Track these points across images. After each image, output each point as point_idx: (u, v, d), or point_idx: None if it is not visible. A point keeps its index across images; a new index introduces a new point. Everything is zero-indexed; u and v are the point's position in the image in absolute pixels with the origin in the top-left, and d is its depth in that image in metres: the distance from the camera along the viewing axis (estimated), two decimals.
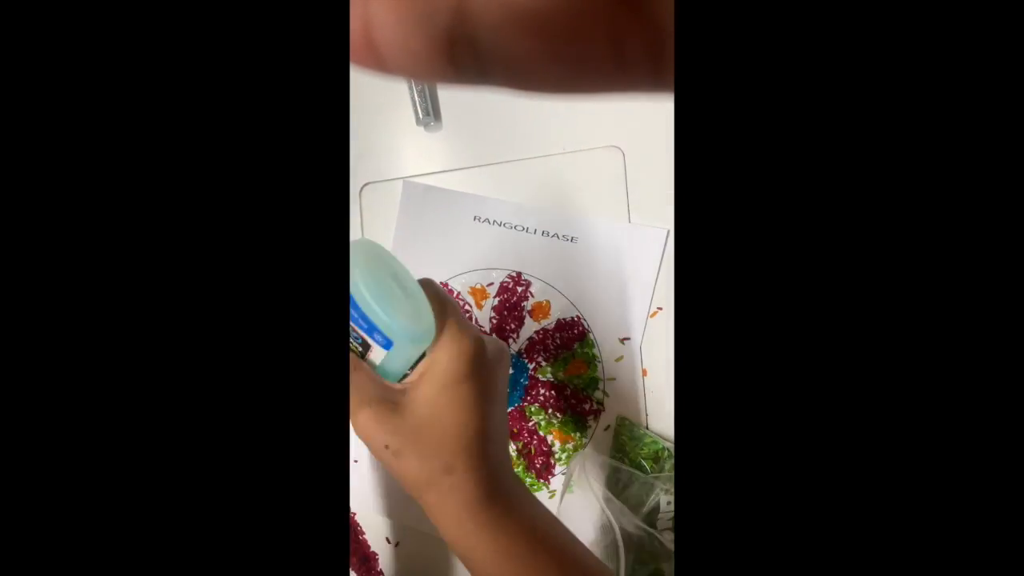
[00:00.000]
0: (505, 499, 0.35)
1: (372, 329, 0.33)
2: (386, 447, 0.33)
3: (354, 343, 0.35)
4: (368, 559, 0.58)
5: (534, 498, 0.37)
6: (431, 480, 0.34)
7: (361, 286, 0.33)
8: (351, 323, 0.34)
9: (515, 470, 0.56)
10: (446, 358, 0.34)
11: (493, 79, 0.17)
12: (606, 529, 0.50)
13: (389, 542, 0.58)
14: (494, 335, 0.56)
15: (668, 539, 0.50)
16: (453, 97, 0.57)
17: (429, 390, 0.34)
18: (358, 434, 0.34)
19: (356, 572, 0.58)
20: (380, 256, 0.35)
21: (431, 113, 0.56)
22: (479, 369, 0.34)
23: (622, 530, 0.49)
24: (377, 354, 0.34)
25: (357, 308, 0.33)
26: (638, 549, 0.50)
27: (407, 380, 0.35)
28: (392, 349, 0.33)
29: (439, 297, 0.35)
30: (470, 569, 0.36)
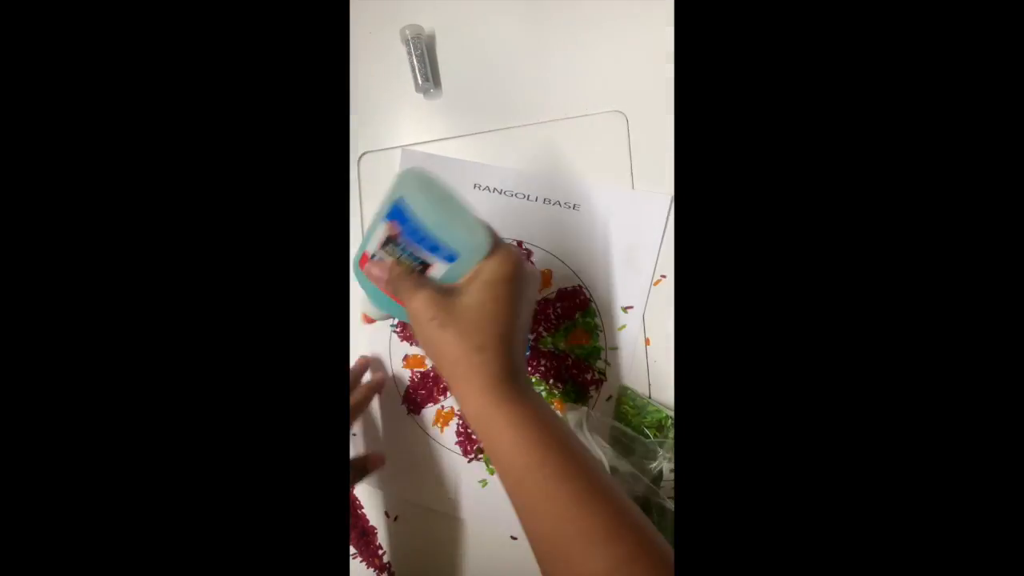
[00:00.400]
0: (521, 384, 0.40)
1: (435, 248, 0.39)
2: (432, 319, 0.39)
3: (411, 263, 0.41)
4: (367, 533, 0.57)
5: (544, 407, 0.41)
6: (465, 354, 0.39)
7: (428, 209, 0.38)
8: (405, 246, 0.40)
9: None
10: (495, 264, 0.39)
11: None
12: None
13: (388, 516, 0.57)
14: None
15: (671, 506, 0.49)
16: (453, 63, 0.57)
17: (477, 284, 0.39)
18: (411, 314, 0.41)
19: (355, 546, 0.57)
20: (432, 183, 0.39)
21: (430, 79, 0.56)
22: (519, 276, 0.40)
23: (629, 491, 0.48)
24: (438, 270, 0.40)
25: (419, 231, 0.38)
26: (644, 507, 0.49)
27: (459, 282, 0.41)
28: (456, 261, 0.39)
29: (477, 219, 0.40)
30: (486, 438, 0.40)
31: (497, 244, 0.40)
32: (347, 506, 0.52)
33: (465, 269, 0.40)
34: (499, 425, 0.39)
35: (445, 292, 0.40)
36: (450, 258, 0.39)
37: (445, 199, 0.39)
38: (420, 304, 0.40)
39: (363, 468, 0.54)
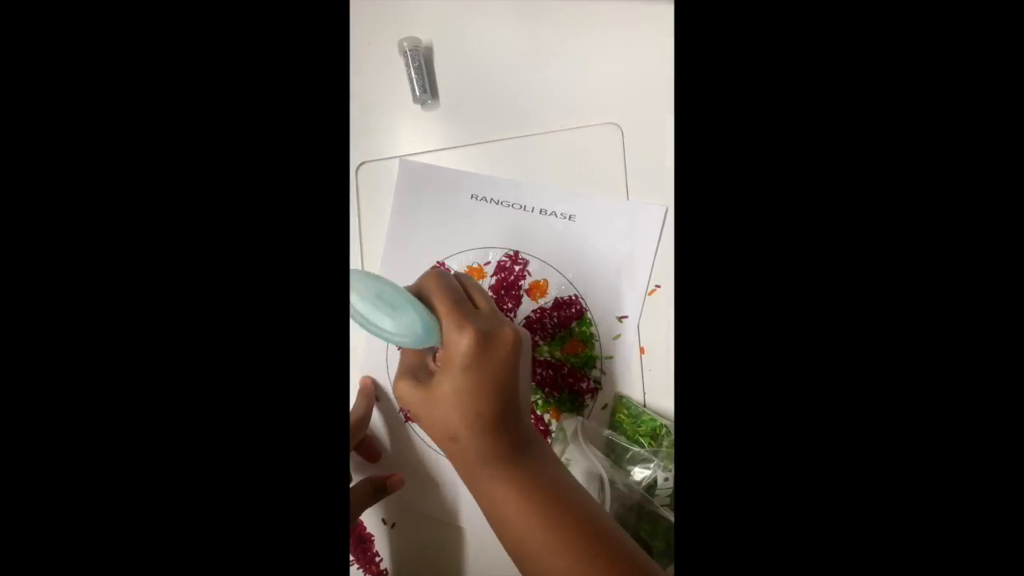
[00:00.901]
0: (513, 457, 0.40)
1: (387, 339, 0.41)
2: (410, 408, 0.41)
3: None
4: (364, 540, 0.57)
5: (546, 461, 0.42)
6: (441, 443, 0.41)
7: (369, 309, 0.40)
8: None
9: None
10: (450, 351, 0.40)
11: None
12: (595, 489, 0.49)
13: (385, 523, 0.57)
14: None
15: (666, 513, 0.49)
16: (450, 75, 0.57)
17: (440, 376, 0.40)
18: (395, 396, 0.44)
19: (352, 554, 0.57)
20: (365, 282, 0.40)
21: (428, 91, 0.56)
22: (478, 360, 0.39)
23: (617, 491, 0.49)
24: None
25: (371, 327, 0.41)
26: (636, 517, 0.50)
27: (438, 357, 0.42)
28: (408, 345, 0.41)
29: (437, 297, 0.41)
30: (483, 510, 0.42)
31: (447, 329, 0.39)
32: (347, 514, 0.53)
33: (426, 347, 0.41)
34: (483, 503, 0.41)
35: (425, 378, 0.41)
36: (403, 344, 0.41)
37: (377, 298, 0.40)
38: (399, 394, 0.41)
39: (383, 488, 0.53)
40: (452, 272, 0.44)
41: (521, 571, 0.41)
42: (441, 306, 0.40)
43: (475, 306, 0.42)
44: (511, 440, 0.40)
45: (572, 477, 0.43)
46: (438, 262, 0.57)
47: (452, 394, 0.39)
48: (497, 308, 0.43)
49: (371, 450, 0.57)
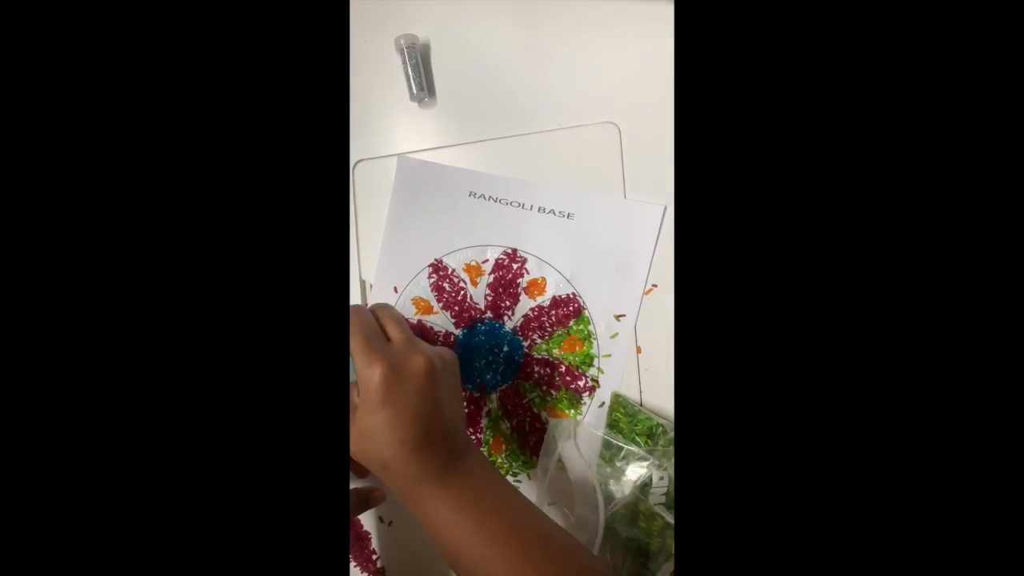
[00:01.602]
0: (435, 483, 0.42)
1: None
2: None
3: None
4: (361, 538, 0.57)
5: (478, 474, 0.44)
6: (376, 472, 0.43)
7: None
8: None
9: (508, 448, 0.56)
10: (364, 388, 0.42)
11: None
12: (590, 490, 0.49)
13: (382, 521, 0.57)
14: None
15: (661, 512, 0.50)
16: (448, 72, 0.57)
17: (361, 412, 0.42)
18: None
19: (349, 552, 0.57)
20: None
21: (425, 88, 0.56)
22: (392, 393, 0.41)
23: (611, 494, 0.49)
24: None
25: None
26: (631, 516, 0.50)
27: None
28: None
29: (351, 334, 0.43)
30: (425, 531, 0.43)
31: (357, 367, 0.42)
32: (347, 513, 0.53)
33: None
34: (425, 524, 0.43)
35: (351, 413, 0.43)
36: None
37: None
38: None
39: (365, 501, 0.54)
40: (368, 306, 0.47)
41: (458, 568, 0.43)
42: (353, 343, 0.42)
43: (388, 339, 0.44)
44: (439, 460, 0.42)
45: (507, 484, 0.44)
46: (436, 259, 0.57)
47: (373, 428, 0.41)
48: (412, 336, 0.45)
49: (359, 465, 0.57)
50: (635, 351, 0.55)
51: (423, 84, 0.56)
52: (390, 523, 0.57)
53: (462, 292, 0.57)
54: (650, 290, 0.55)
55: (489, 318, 0.57)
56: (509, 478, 0.57)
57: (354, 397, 0.44)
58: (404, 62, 0.55)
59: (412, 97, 0.56)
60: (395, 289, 0.58)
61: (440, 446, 0.42)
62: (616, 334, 0.56)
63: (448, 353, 0.46)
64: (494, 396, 0.57)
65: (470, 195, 0.57)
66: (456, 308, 0.57)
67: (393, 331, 0.45)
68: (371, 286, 0.58)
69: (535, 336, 0.57)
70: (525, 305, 0.57)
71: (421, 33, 0.56)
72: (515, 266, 0.57)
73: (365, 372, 0.42)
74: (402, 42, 0.55)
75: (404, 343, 0.44)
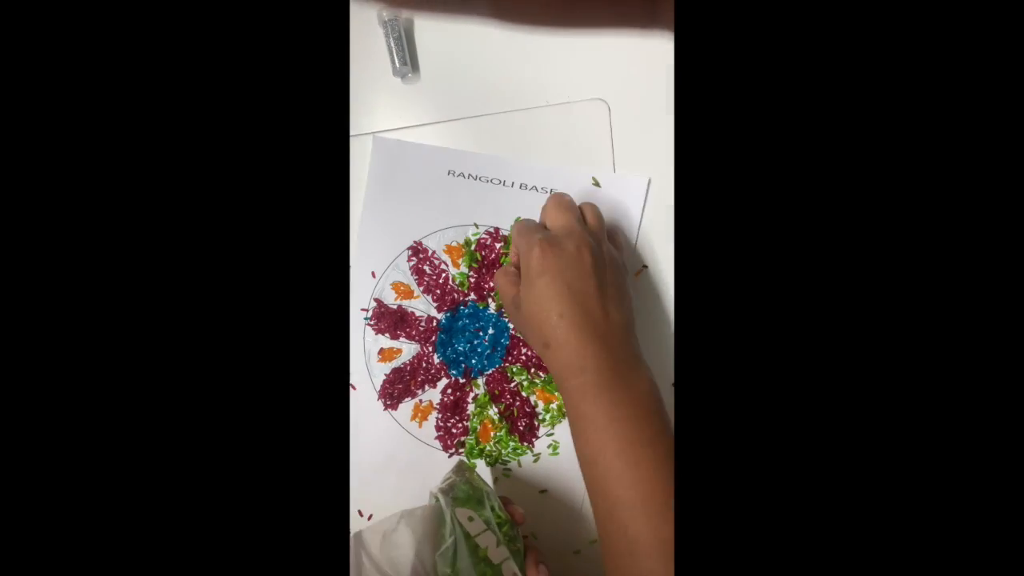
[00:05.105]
0: (594, 381, 0.42)
1: None
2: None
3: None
4: None
5: (645, 399, 0.43)
6: (541, 353, 0.45)
7: None
8: None
9: (497, 434, 0.54)
10: (523, 267, 0.45)
11: (478, 8, 0.15)
12: None
13: (361, 515, 0.54)
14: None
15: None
16: (432, 47, 0.55)
17: (522, 291, 0.45)
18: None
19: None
20: None
21: (408, 63, 0.54)
22: (546, 265, 0.43)
23: None
24: None
25: None
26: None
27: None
28: None
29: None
30: (567, 414, 0.45)
31: (514, 242, 0.47)
32: (347, 515, 0.49)
33: None
34: (571, 413, 0.43)
35: (515, 298, 0.46)
36: None
37: None
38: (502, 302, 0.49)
39: None
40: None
41: (587, 483, 0.43)
42: (514, 230, 0.48)
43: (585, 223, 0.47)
44: (600, 358, 0.42)
45: (664, 414, 0.44)
46: (415, 241, 0.55)
47: (532, 300, 0.44)
48: (574, 226, 0.46)
49: None
50: None
51: (406, 59, 0.54)
52: (370, 517, 0.54)
53: (443, 274, 0.56)
54: (639, 272, 0.55)
55: (472, 300, 0.55)
56: (499, 467, 0.55)
57: (513, 276, 0.47)
58: (386, 35, 0.54)
59: (395, 72, 0.54)
60: (373, 274, 0.56)
61: (602, 340, 0.43)
62: None
63: (616, 253, 0.48)
64: (480, 381, 0.55)
65: (449, 174, 0.55)
66: (438, 291, 0.55)
67: (557, 218, 0.47)
68: (350, 268, 0.55)
69: None
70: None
71: None
72: (498, 246, 0.55)
73: (524, 250, 0.45)
74: (384, 15, 0.54)
75: (563, 228, 0.46)
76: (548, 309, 0.43)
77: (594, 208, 0.48)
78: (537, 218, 0.50)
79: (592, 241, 0.45)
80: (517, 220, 0.50)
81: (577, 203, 0.48)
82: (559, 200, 0.47)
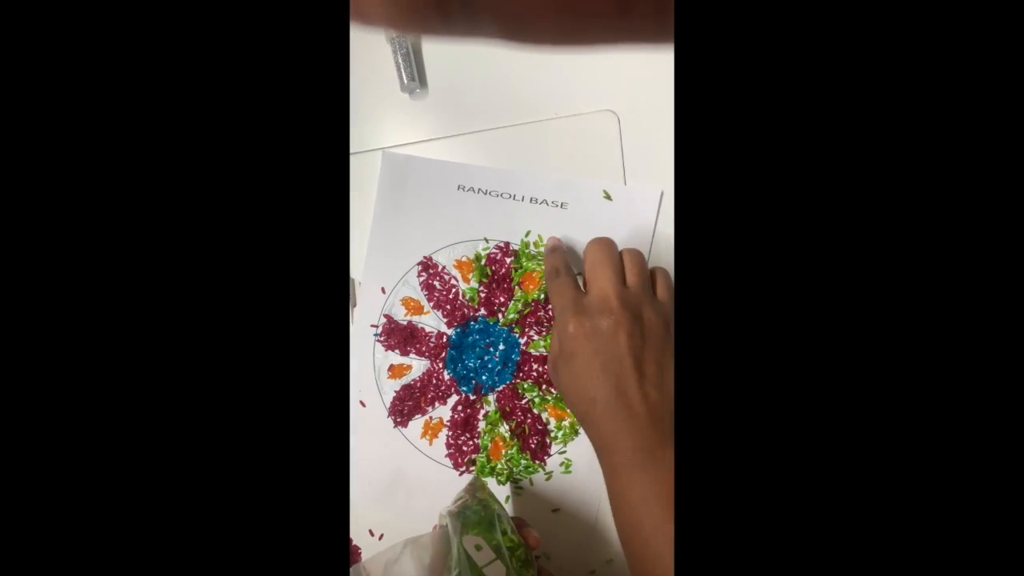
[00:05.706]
0: (629, 464, 0.41)
1: None
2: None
3: None
4: (351, 553, 0.53)
5: (666, 452, 0.41)
6: (580, 421, 0.45)
7: None
8: None
9: (508, 452, 0.53)
10: (554, 332, 0.45)
11: (484, 29, 0.15)
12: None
13: (372, 535, 0.53)
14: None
15: None
16: (440, 62, 0.55)
17: (557, 359, 0.45)
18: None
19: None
20: None
21: (416, 79, 0.54)
22: (575, 351, 0.43)
23: None
24: None
25: None
26: None
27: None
28: None
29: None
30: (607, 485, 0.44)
31: (563, 315, 0.44)
32: (347, 523, 0.49)
33: None
34: (613, 487, 0.42)
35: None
36: None
37: None
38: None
39: None
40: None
41: (627, 546, 0.42)
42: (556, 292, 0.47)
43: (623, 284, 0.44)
44: (636, 439, 0.41)
45: None
46: (425, 257, 0.55)
47: (566, 382, 0.44)
48: (619, 290, 0.43)
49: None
50: None
51: (414, 74, 0.54)
52: (381, 536, 0.53)
53: (453, 290, 0.55)
54: None
55: (483, 315, 0.55)
56: (510, 485, 0.54)
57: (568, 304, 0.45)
58: (394, 51, 0.54)
59: (403, 88, 0.54)
60: (383, 290, 0.55)
61: (636, 421, 0.41)
62: None
63: (659, 312, 0.44)
64: (491, 398, 0.54)
65: (458, 188, 0.55)
66: (448, 307, 0.55)
67: (600, 277, 0.44)
68: (359, 284, 0.55)
69: (532, 332, 0.54)
70: (520, 300, 0.54)
71: None
72: (508, 260, 0.55)
73: (557, 314, 0.45)
74: (392, 31, 0.54)
75: (599, 299, 0.43)
76: (583, 388, 0.42)
77: (636, 258, 0.46)
78: (549, 232, 0.49)
79: (629, 316, 0.42)
80: (545, 246, 0.50)
81: (619, 247, 0.46)
82: (597, 254, 0.45)
